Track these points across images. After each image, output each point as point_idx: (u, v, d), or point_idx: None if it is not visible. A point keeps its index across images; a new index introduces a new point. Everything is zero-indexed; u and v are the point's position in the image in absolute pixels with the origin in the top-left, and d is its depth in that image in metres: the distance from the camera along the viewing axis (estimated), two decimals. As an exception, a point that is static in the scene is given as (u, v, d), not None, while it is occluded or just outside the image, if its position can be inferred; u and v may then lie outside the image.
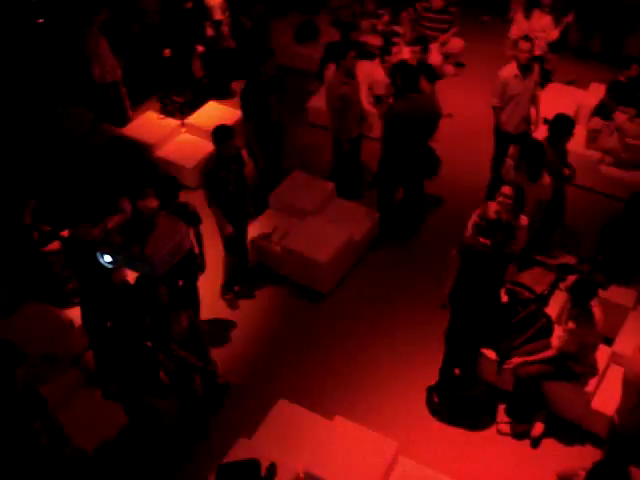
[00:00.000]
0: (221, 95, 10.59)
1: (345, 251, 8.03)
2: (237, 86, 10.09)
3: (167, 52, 10.50)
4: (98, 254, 4.06)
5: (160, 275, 4.25)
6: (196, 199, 7.56)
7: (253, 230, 8.14)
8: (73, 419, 6.22)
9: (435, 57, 10.23)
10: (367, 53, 10.53)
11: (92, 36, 9.77)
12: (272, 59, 8.26)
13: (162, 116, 10.00)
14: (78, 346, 7.29)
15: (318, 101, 10.05)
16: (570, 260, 7.46)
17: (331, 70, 9.14)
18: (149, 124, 9.83)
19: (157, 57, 10.48)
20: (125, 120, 10.03)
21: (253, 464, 5.61)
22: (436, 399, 6.89)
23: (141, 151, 9.34)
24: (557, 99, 9.33)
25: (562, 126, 7.48)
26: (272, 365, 7.32)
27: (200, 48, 10.65)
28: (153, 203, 5.72)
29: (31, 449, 5.32)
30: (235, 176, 7.45)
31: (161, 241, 3.93)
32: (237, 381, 7.08)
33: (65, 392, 6.70)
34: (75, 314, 7.21)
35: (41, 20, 10.32)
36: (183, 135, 9.80)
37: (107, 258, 4.02)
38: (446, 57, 10.97)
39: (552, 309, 6.98)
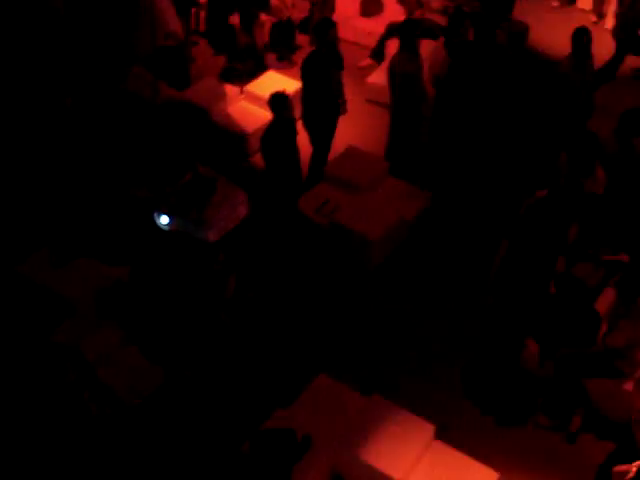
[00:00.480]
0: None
1: (395, 230, 8.00)
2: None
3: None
4: (155, 214, 4.10)
5: (213, 241, 4.29)
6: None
7: (304, 201, 8.12)
8: (112, 375, 6.37)
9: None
10: (431, 32, 10.40)
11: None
12: (333, 30, 8.22)
13: (222, 82, 10.02)
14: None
15: (378, 77, 9.99)
16: (621, 256, 7.34)
17: (394, 47, 9.06)
18: (208, 89, 9.83)
19: (222, 23, 10.49)
20: (186, 84, 10.07)
21: (289, 433, 5.67)
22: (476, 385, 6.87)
23: (204, 115, 9.36)
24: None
25: (633, 123, 7.23)
26: (314, 338, 7.34)
27: (263, 17, 10.63)
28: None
29: (82, 420, 5.44)
30: (289, 142, 7.51)
31: (218, 207, 3.95)
32: (279, 351, 7.13)
33: (105, 348, 6.81)
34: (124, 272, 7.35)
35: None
36: (242, 102, 9.81)
37: (164, 219, 4.06)
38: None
39: (601, 304, 6.88)
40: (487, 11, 9.57)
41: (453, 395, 6.82)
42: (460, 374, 6.97)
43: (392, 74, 8.45)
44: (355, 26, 11.29)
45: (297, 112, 8.25)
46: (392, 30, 10.30)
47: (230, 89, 9.87)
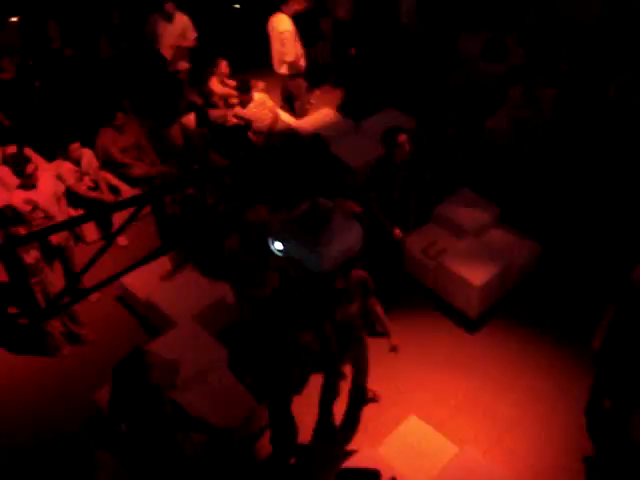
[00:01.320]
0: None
1: (500, 278, 7.82)
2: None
3: (352, 51, 10.60)
4: (269, 239, 4.13)
5: (326, 272, 4.29)
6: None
7: (411, 240, 8.07)
8: (203, 399, 6.44)
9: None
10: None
11: (282, 24, 9.96)
12: (459, 73, 8.15)
13: (338, 113, 10.11)
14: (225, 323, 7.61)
15: (497, 120, 9.87)
16: None
17: (517, 91, 8.94)
18: (325, 119, 9.95)
19: (343, 54, 10.61)
20: (303, 112, 10.21)
21: (374, 475, 5.56)
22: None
23: (324, 144, 9.44)
24: None
25: None
26: (409, 380, 7.20)
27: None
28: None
29: (176, 461, 5.52)
30: (401, 183, 7.45)
31: (335, 237, 3.93)
32: (373, 389, 7.03)
33: (204, 367, 6.92)
34: (227, 289, 7.45)
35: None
36: (356, 136, 9.85)
37: (278, 245, 4.07)
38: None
39: None
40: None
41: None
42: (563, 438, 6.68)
43: (509, 117, 8.30)
44: (476, 68, 11.18)
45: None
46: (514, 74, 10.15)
47: (346, 121, 9.94)
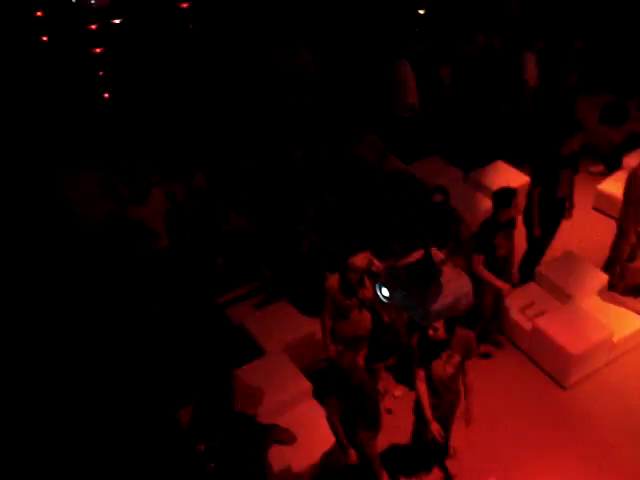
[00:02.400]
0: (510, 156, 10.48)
1: (600, 348, 7.55)
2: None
3: (502, 108, 10.51)
4: (377, 285, 4.12)
5: (430, 324, 4.25)
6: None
7: (510, 299, 7.89)
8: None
9: None
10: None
11: (403, 68, 10.06)
12: (579, 134, 7.97)
13: (447, 162, 10.05)
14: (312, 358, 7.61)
15: (608, 185, 9.65)
16: None
17: (633, 158, 8.71)
18: (434, 167, 9.90)
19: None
20: (413, 158, 10.18)
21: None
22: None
23: (426, 192, 9.39)
24: None
25: None
26: (491, 444, 7.00)
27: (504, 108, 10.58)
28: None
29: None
30: (507, 241, 7.33)
31: (443, 290, 3.87)
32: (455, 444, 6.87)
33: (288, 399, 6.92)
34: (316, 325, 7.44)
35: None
36: (464, 187, 9.75)
37: (385, 291, 4.06)
38: None
39: None
40: None
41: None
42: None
43: (629, 188, 8.05)
44: (593, 131, 10.97)
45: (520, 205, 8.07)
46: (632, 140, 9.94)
47: (454, 171, 9.87)
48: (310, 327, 7.65)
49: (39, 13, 10.53)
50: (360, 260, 6.45)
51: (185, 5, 11.33)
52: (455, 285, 4.10)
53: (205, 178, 8.57)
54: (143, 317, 8.15)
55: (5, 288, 8.61)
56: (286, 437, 6.30)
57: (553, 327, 7.57)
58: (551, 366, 7.61)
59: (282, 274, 8.14)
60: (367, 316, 6.82)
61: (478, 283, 6.85)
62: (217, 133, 10.10)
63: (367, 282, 6.69)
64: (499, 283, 7.26)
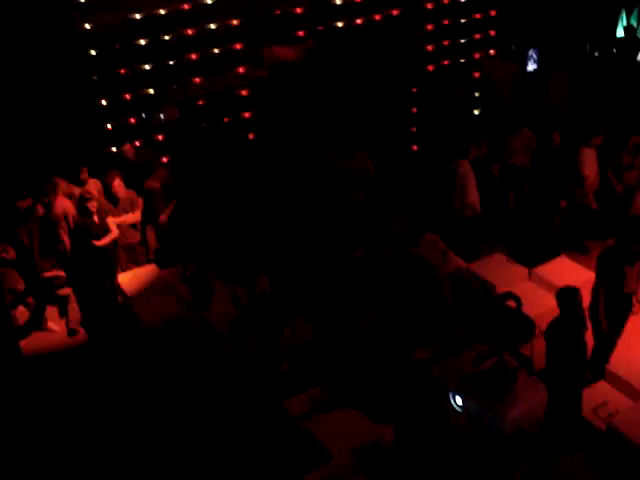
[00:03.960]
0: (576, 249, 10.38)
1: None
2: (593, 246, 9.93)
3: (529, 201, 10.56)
4: (450, 393, 4.07)
5: (507, 434, 4.13)
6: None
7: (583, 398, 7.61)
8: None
9: None
10: None
11: (462, 168, 10.21)
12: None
13: (511, 259, 10.02)
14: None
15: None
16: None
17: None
18: (497, 264, 9.88)
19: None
20: (475, 256, 10.19)
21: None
22: None
23: (488, 289, 9.34)
24: None
25: None
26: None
27: (563, 203, 10.58)
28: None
29: None
30: (576, 339, 7.21)
31: (519, 400, 3.79)
32: None
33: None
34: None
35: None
36: (528, 283, 9.64)
37: (458, 400, 4.01)
38: None
39: None
40: None
41: None
42: None
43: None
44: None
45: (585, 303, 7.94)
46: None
47: (518, 269, 9.81)
48: (376, 431, 7.48)
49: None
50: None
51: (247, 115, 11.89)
52: (530, 392, 4.03)
53: (269, 281, 8.69)
54: (208, 423, 8.15)
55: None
56: None
57: (628, 426, 7.21)
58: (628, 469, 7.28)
59: (346, 377, 8.10)
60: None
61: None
62: (279, 240, 10.29)
63: None
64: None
